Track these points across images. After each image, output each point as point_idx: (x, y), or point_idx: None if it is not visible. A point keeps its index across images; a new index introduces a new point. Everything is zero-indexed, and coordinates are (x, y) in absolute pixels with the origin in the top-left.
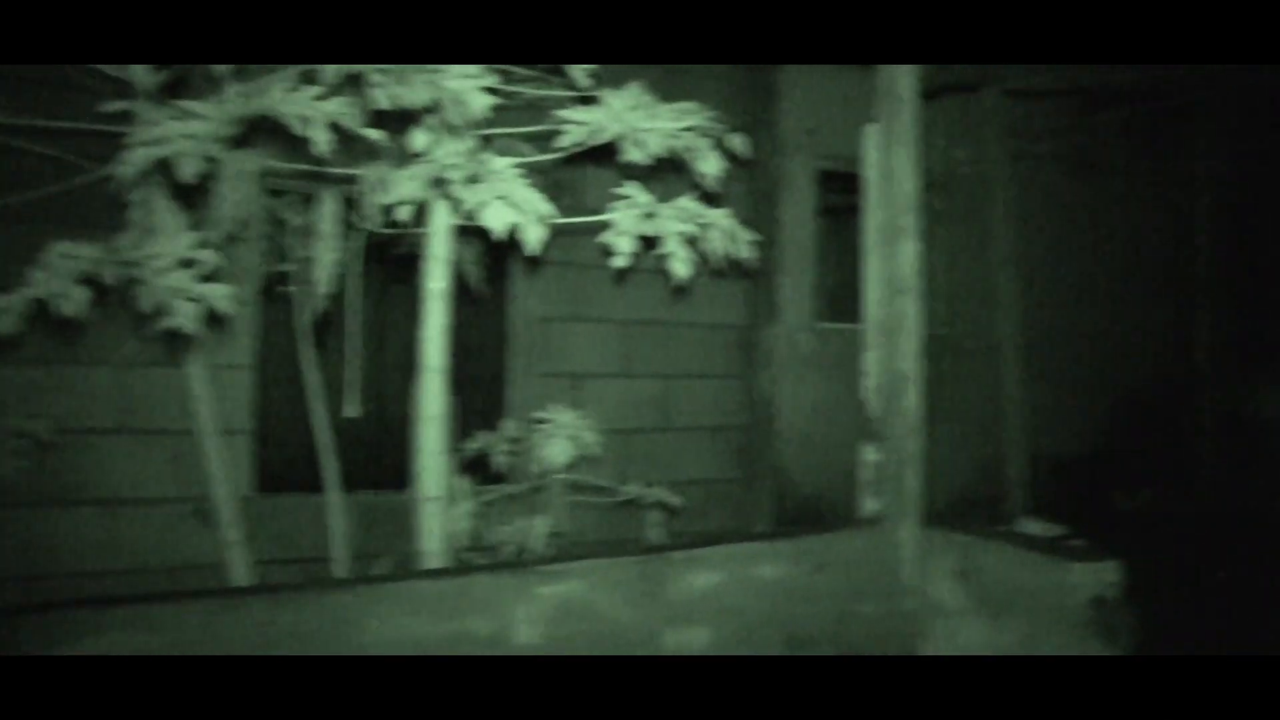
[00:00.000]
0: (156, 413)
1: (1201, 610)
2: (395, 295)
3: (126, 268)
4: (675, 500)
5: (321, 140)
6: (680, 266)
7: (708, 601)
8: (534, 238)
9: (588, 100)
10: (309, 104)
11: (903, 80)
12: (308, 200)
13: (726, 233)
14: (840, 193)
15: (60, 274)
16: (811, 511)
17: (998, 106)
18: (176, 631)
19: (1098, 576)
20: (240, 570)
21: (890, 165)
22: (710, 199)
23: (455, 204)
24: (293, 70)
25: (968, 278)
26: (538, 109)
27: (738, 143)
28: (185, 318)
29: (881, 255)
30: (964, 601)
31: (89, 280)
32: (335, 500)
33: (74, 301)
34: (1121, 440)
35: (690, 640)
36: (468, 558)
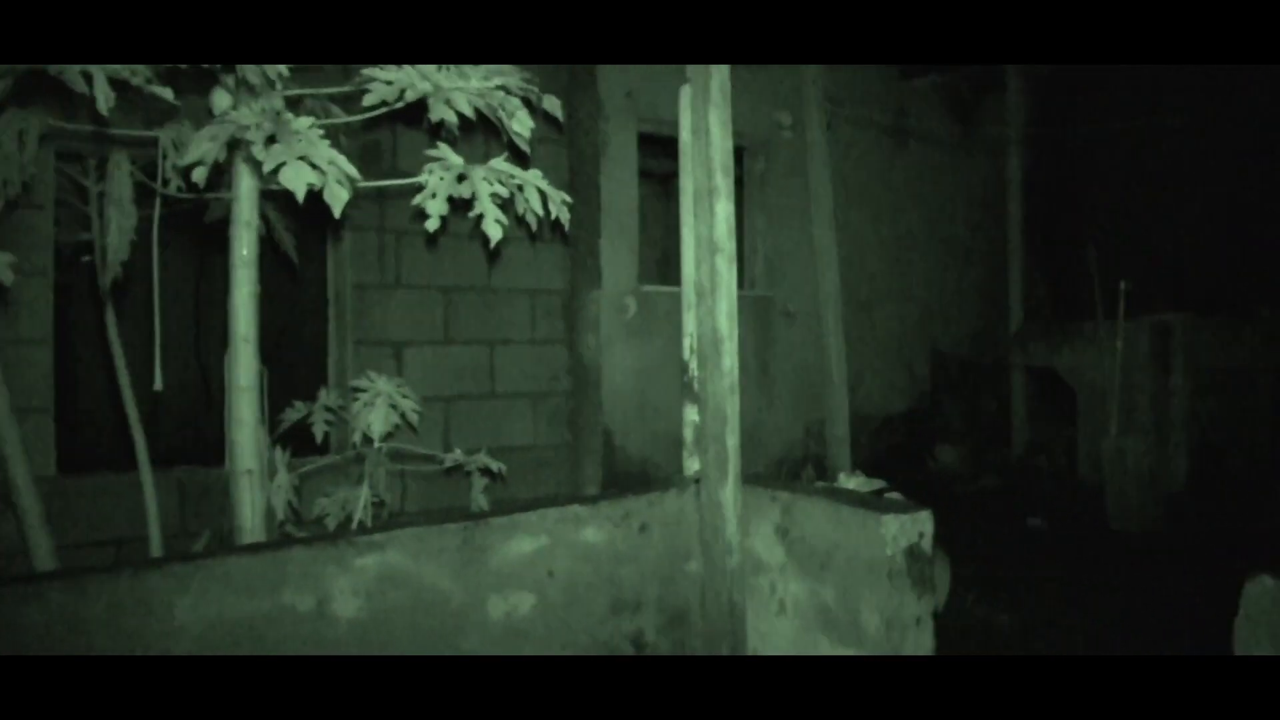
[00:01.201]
0: None
1: (1012, 557)
2: (212, 265)
3: None
4: (498, 466)
5: (104, 99)
6: (493, 229)
7: (531, 567)
8: (338, 200)
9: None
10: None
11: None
12: (104, 165)
13: (540, 193)
14: (662, 157)
15: None
16: (639, 475)
17: (815, 72)
18: None
19: (910, 528)
20: (42, 555)
21: (703, 126)
22: (524, 160)
23: (257, 167)
24: None
25: (788, 240)
26: (348, 71)
27: (551, 103)
28: None
29: (696, 216)
30: (785, 557)
31: None
32: (147, 478)
33: None
34: (939, 398)
35: (514, 606)
36: (288, 532)
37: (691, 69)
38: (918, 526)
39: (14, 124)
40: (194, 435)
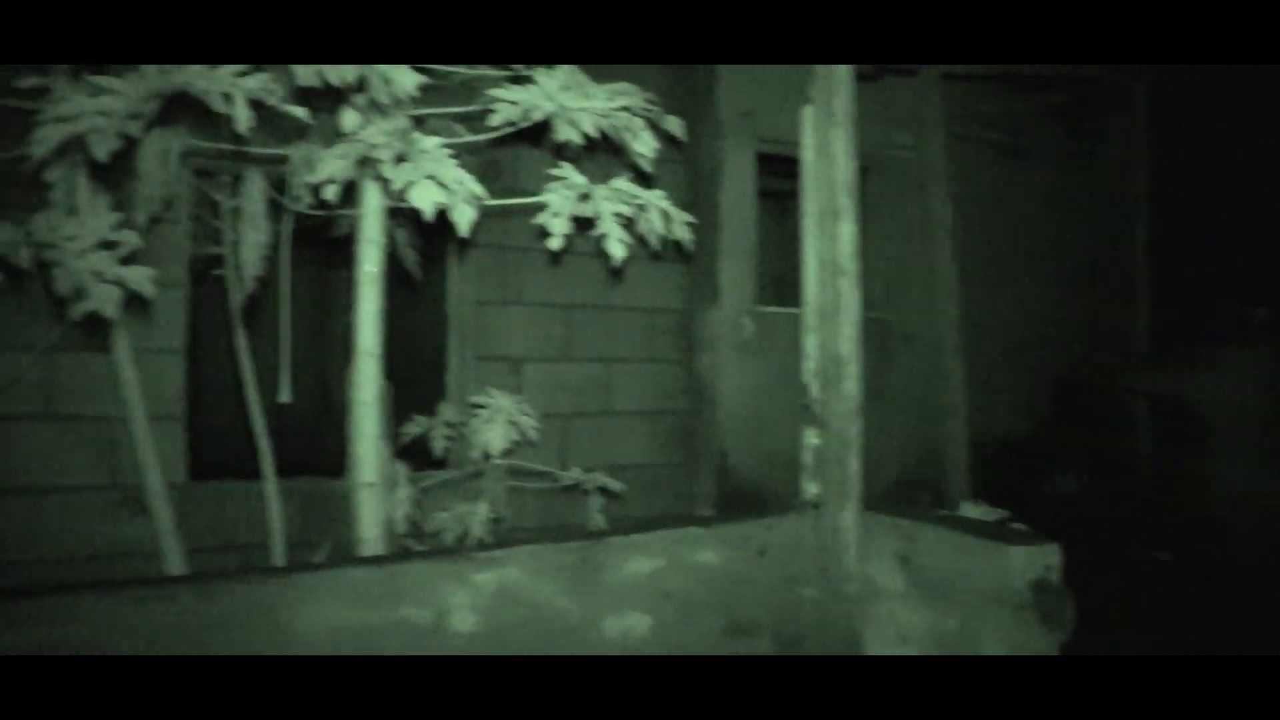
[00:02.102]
0: (84, 399)
1: (1140, 592)
2: (333, 279)
3: (42, 249)
4: (615, 485)
5: (243, 118)
6: (616, 248)
7: (648, 587)
8: (465, 219)
9: (521, 80)
10: (230, 80)
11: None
12: (240, 181)
13: (662, 214)
14: (780, 176)
15: None
16: (753, 496)
17: (935, 90)
18: (99, 624)
19: (1038, 560)
20: (173, 559)
21: (827, 147)
22: (646, 180)
23: (384, 184)
24: None
25: (906, 262)
26: (471, 89)
27: (673, 124)
28: (104, 301)
29: (819, 237)
30: (905, 586)
31: (2, 262)
32: (271, 487)
33: None
34: (1060, 425)
35: (630, 626)
36: (406, 544)
37: (816, 89)
38: (1045, 559)
39: (158, 143)
40: (312, 446)
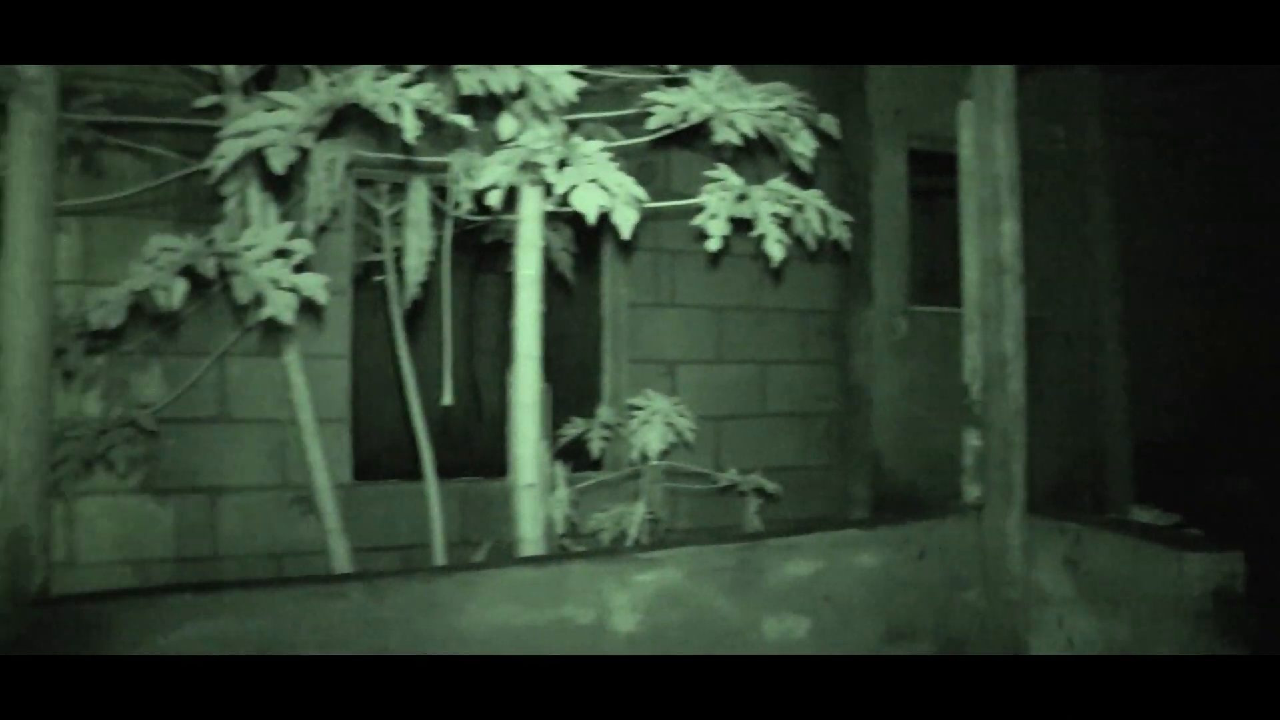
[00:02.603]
0: (256, 402)
1: None
2: (483, 282)
3: (224, 259)
4: (772, 487)
5: (410, 128)
6: (775, 249)
7: (807, 589)
8: (627, 222)
9: (675, 83)
10: (396, 91)
11: None
12: (396, 189)
13: (820, 214)
14: (931, 173)
15: (160, 266)
16: (907, 498)
17: (1093, 80)
18: (278, 617)
19: (1219, 568)
20: (340, 557)
21: (987, 143)
22: (802, 180)
23: (546, 189)
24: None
25: (1062, 259)
26: (624, 93)
27: (828, 122)
28: (281, 308)
29: (980, 236)
30: (1072, 592)
31: (188, 272)
32: (432, 487)
33: (174, 294)
34: (1228, 423)
35: (790, 628)
36: (565, 545)
37: (976, 84)
38: (1227, 566)
39: (326, 154)
40: (469, 447)
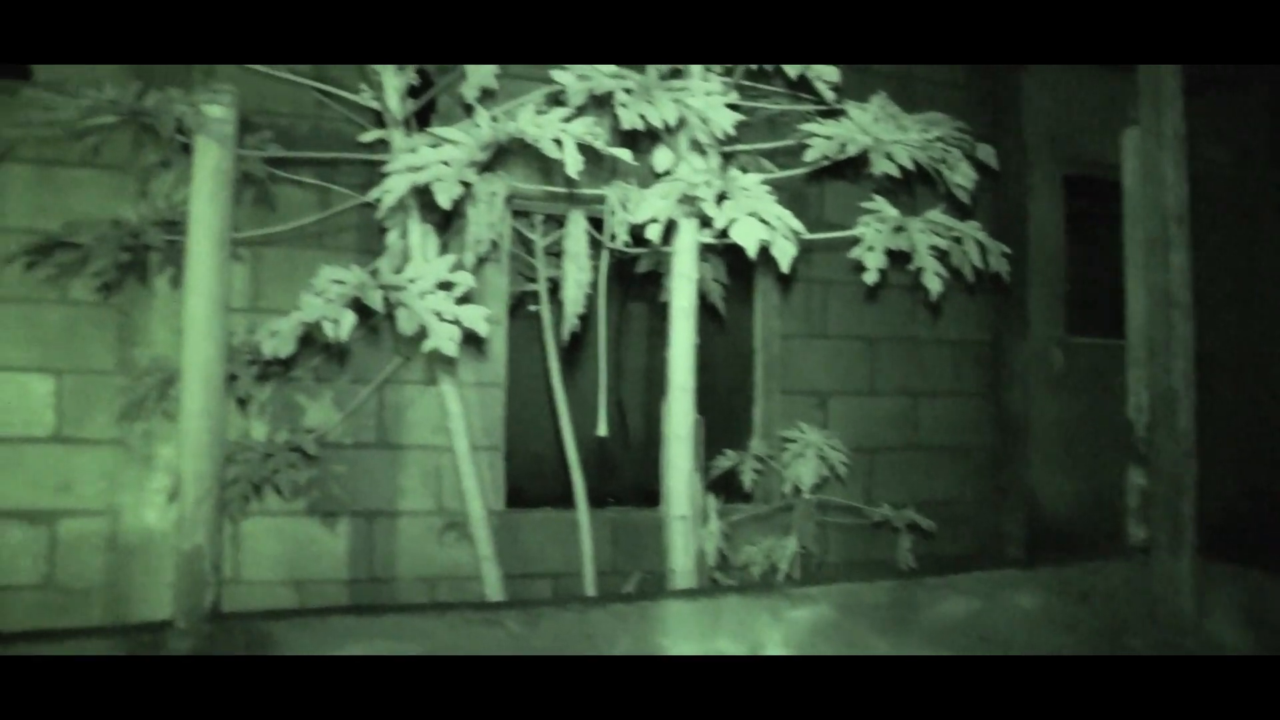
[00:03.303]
0: (413, 429)
1: None
2: (629, 311)
3: (390, 291)
4: (926, 523)
5: (573, 162)
6: (933, 282)
7: (964, 630)
8: (785, 255)
9: (831, 114)
10: (559, 126)
11: (1167, 78)
12: (549, 219)
13: (979, 245)
14: (1088, 198)
15: (330, 299)
16: (1064, 537)
17: (1260, 102)
18: (434, 643)
19: None
20: (492, 583)
21: (1154, 171)
22: (959, 210)
23: (702, 221)
24: (538, 93)
25: (1228, 288)
26: (776, 124)
27: (985, 152)
28: (444, 339)
29: (1146, 268)
30: (1254, 645)
31: (355, 303)
32: (584, 516)
33: (343, 326)
34: None
35: None
36: (716, 577)
37: (1143, 109)
38: None
39: (486, 187)
40: (613, 475)
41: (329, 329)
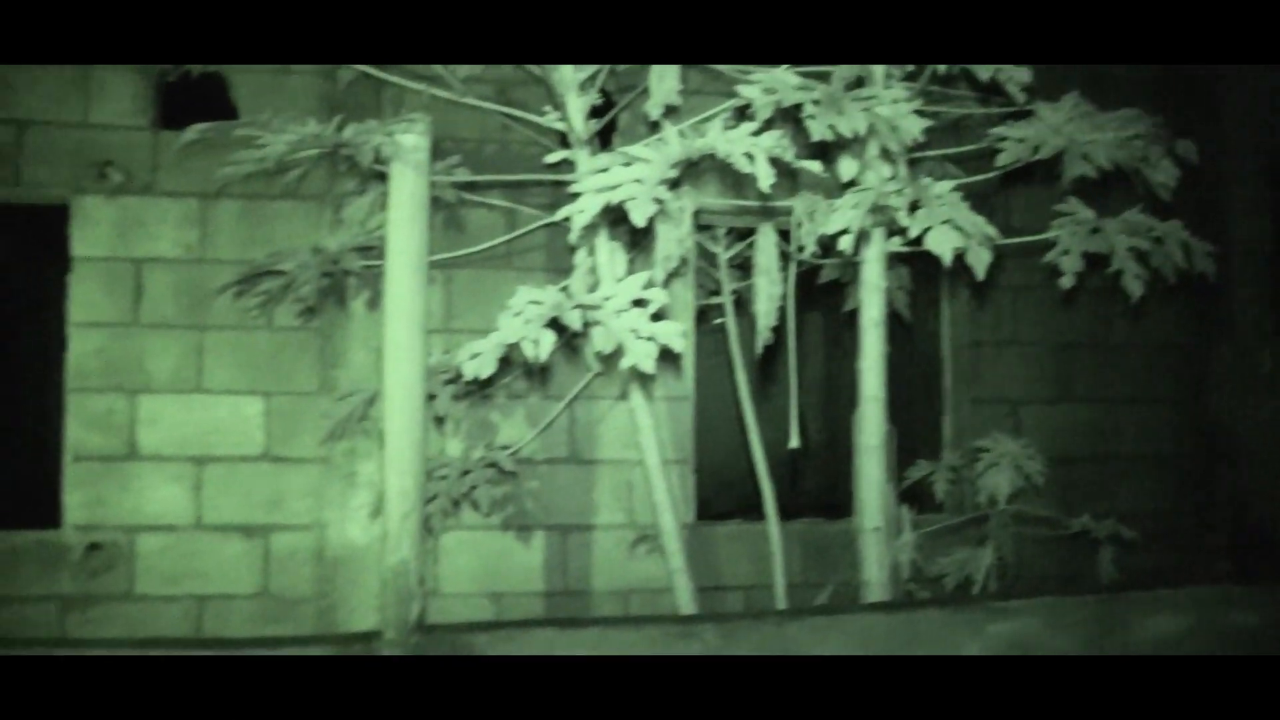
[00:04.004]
0: (603, 443)
1: None
2: (810, 321)
3: (586, 310)
4: (1130, 534)
5: (764, 176)
6: (1133, 285)
7: (1174, 648)
8: (981, 262)
9: (1018, 116)
10: (749, 141)
11: None
12: (731, 233)
13: (1181, 246)
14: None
15: (528, 319)
16: (1275, 551)
17: None
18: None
19: None
20: (684, 596)
21: None
22: (1161, 210)
23: (891, 231)
24: (722, 108)
25: None
26: (959, 128)
27: (1186, 148)
28: (642, 356)
29: None
30: None
31: (551, 322)
32: (774, 528)
33: (542, 346)
34: None
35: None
36: (910, 590)
37: None
38: None
39: (675, 203)
40: (798, 486)
41: (528, 349)
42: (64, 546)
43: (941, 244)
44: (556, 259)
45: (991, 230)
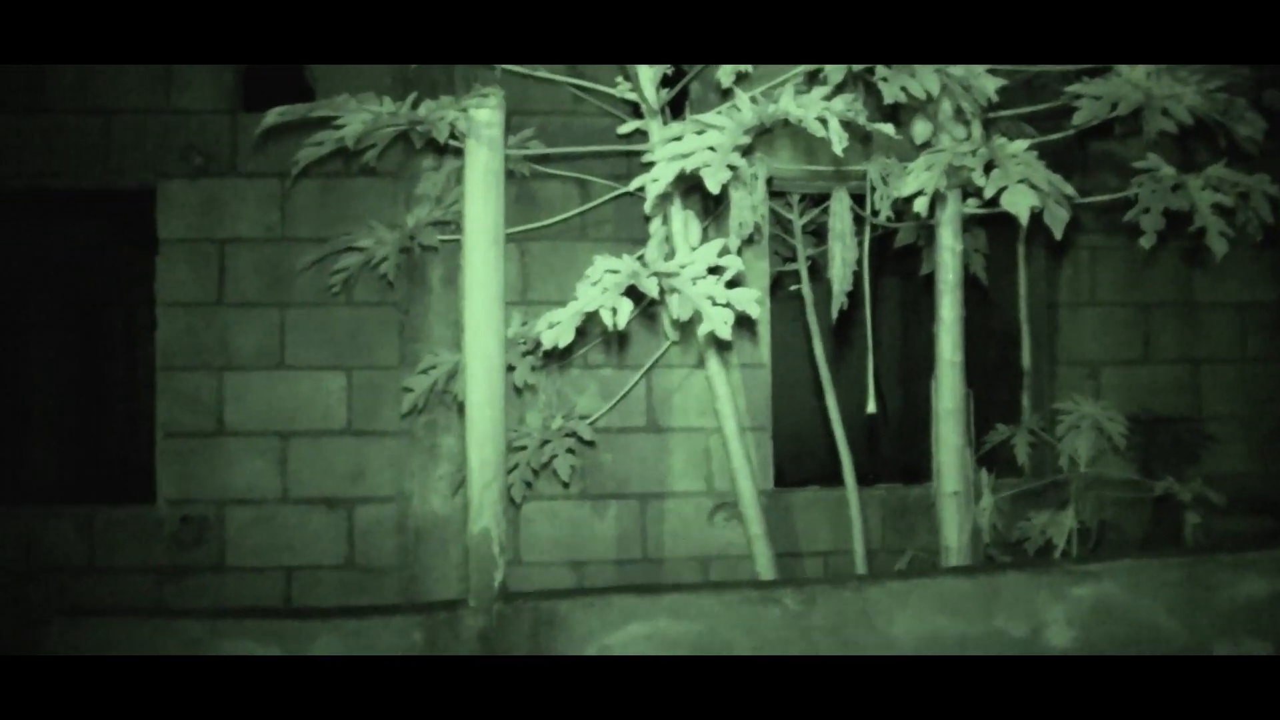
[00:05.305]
0: (680, 412)
1: None
2: (882, 285)
3: (662, 278)
4: (1218, 497)
5: (838, 140)
6: (1217, 243)
7: (1266, 612)
8: (1058, 221)
9: (1093, 73)
10: (821, 105)
11: None
12: (804, 199)
13: (1269, 200)
14: None
15: (606, 288)
16: None
17: None
18: (712, 620)
19: None
20: (763, 562)
21: None
22: (1246, 163)
23: (966, 193)
24: (793, 73)
25: None
26: (1032, 87)
27: (1274, 98)
28: (719, 323)
29: None
30: None
31: (628, 291)
32: (853, 494)
33: (621, 314)
34: None
35: (1246, 654)
36: (991, 554)
37: None
38: None
39: (749, 170)
40: (877, 453)
41: (607, 317)
42: (158, 520)
43: (1018, 203)
44: (629, 229)
45: (1069, 189)
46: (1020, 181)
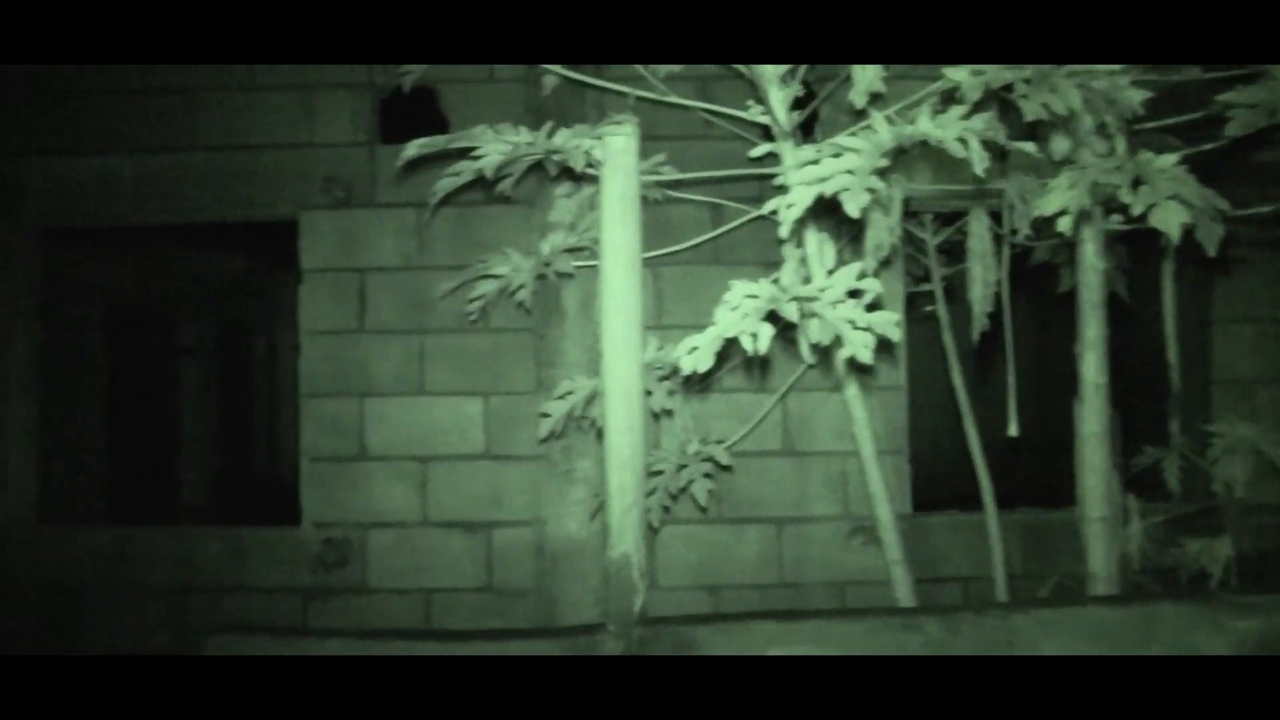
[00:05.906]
0: (816, 435)
1: None
2: (1020, 306)
3: (801, 302)
4: None
5: (979, 160)
6: None
7: None
8: (1212, 237)
9: (1245, 80)
10: (960, 125)
11: None
12: (938, 219)
13: None
14: None
15: (746, 313)
16: None
17: None
18: (851, 647)
19: None
20: (902, 588)
21: None
22: None
23: (1109, 209)
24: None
25: None
26: (1178, 96)
27: None
28: (860, 347)
29: None
30: None
31: (767, 316)
32: (992, 519)
33: (761, 339)
34: None
35: None
36: (1139, 582)
37: None
38: None
39: (886, 191)
40: (1015, 476)
41: (747, 342)
42: (303, 542)
43: (1169, 220)
44: (761, 252)
45: (1223, 203)
46: (1170, 198)
